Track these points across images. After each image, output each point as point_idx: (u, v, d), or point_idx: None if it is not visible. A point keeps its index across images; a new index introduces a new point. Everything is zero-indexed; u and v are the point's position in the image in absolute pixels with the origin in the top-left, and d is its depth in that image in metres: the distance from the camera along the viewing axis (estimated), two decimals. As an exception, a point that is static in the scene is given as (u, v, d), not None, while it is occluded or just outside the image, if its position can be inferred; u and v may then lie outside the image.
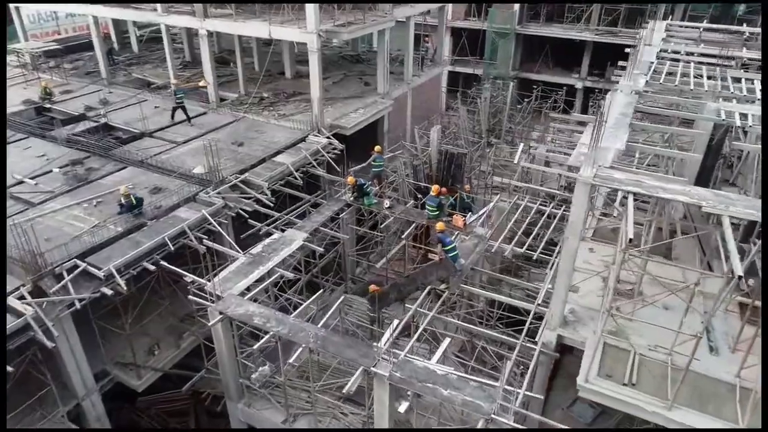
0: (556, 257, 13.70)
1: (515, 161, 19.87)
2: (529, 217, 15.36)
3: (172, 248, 13.67)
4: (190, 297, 12.17)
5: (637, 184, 8.56)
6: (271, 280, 12.69)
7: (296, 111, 22.30)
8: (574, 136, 20.25)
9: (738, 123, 11.44)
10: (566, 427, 9.31)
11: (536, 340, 10.97)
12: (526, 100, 27.12)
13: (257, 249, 13.56)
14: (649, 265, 12.15)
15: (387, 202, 15.51)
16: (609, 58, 35.06)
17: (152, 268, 13.09)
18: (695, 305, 10.27)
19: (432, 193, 14.67)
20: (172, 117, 21.08)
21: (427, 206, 14.68)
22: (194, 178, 16.32)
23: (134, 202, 14.31)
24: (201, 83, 22.85)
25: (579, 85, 36.10)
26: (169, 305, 15.06)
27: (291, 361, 10.38)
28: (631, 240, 7.60)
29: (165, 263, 13.26)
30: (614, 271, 8.99)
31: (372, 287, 14.40)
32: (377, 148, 18.68)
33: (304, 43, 19.59)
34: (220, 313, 11.48)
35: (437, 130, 21.21)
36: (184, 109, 21.00)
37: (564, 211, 16.01)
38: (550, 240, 15.65)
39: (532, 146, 20.06)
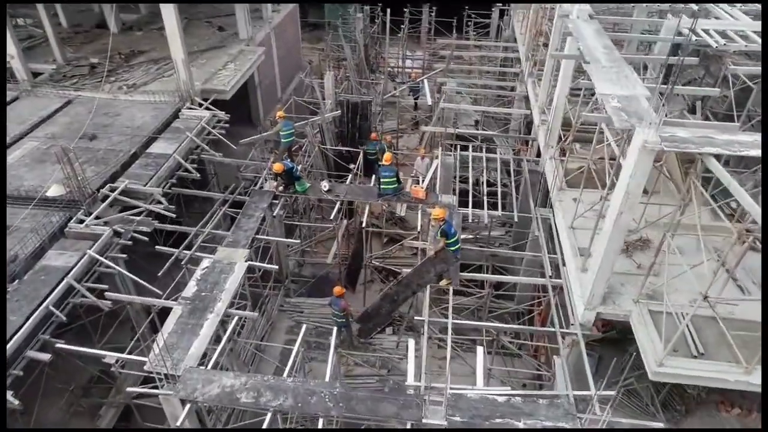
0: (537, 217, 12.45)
1: (429, 101, 18.00)
2: (488, 170, 13.80)
3: (64, 318, 9.63)
4: (129, 389, 8.64)
5: (711, 141, 7.26)
6: (230, 330, 9.55)
7: (148, 78, 17.40)
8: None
9: (713, 44, 10.71)
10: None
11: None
12: (401, 26, 24.76)
13: (191, 289, 10.11)
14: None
15: (326, 185, 12.69)
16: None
17: (45, 357, 9.04)
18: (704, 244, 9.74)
19: (385, 163, 12.25)
20: None
21: (382, 180, 12.25)
22: (53, 203, 11.64)
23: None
24: (-1, 58, 16.50)
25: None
26: (73, 389, 11.06)
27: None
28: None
29: (63, 344, 9.25)
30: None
31: (337, 289, 12.02)
32: (280, 113, 15.33)
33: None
34: (184, 401, 8.27)
35: (331, 77, 18.16)
36: None
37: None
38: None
39: (440, 82, 18.23)
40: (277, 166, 12.26)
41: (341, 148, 16.59)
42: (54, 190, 11.61)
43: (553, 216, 11.96)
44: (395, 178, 12.25)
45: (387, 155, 12.30)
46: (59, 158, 11.19)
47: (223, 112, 15.73)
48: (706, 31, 11.32)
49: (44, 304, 9.45)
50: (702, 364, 8.33)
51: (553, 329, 9.74)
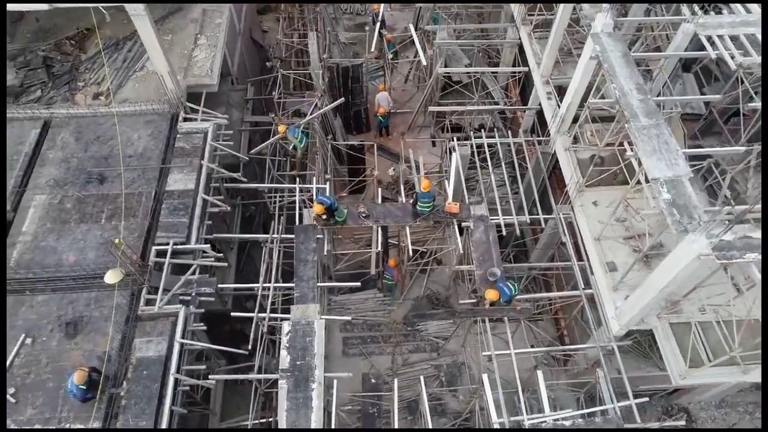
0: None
1: (424, 61, 17.45)
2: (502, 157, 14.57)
3: (185, 411, 10.86)
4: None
5: (750, 245, 8.63)
6: (335, 395, 11.13)
7: (120, 76, 15.64)
8: None
9: (730, 62, 11.29)
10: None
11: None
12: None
13: (285, 359, 11.28)
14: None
15: (363, 210, 13.24)
16: None
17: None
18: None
19: (423, 189, 12.86)
20: None
21: (419, 205, 12.96)
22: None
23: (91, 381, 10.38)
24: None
25: None
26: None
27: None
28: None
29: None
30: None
31: (392, 262, 13.92)
32: (281, 128, 14.84)
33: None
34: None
35: (314, 38, 16.95)
36: None
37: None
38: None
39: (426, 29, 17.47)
40: (318, 208, 12.60)
41: (354, 142, 16.41)
42: (112, 277, 11.61)
43: (575, 218, 13.31)
44: (432, 203, 13.00)
45: (425, 182, 12.83)
46: (113, 252, 11.22)
47: (223, 116, 14.94)
48: (720, 38, 11.75)
49: (166, 407, 10.52)
50: (711, 371, 10.86)
51: (593, 346, 11.92)
